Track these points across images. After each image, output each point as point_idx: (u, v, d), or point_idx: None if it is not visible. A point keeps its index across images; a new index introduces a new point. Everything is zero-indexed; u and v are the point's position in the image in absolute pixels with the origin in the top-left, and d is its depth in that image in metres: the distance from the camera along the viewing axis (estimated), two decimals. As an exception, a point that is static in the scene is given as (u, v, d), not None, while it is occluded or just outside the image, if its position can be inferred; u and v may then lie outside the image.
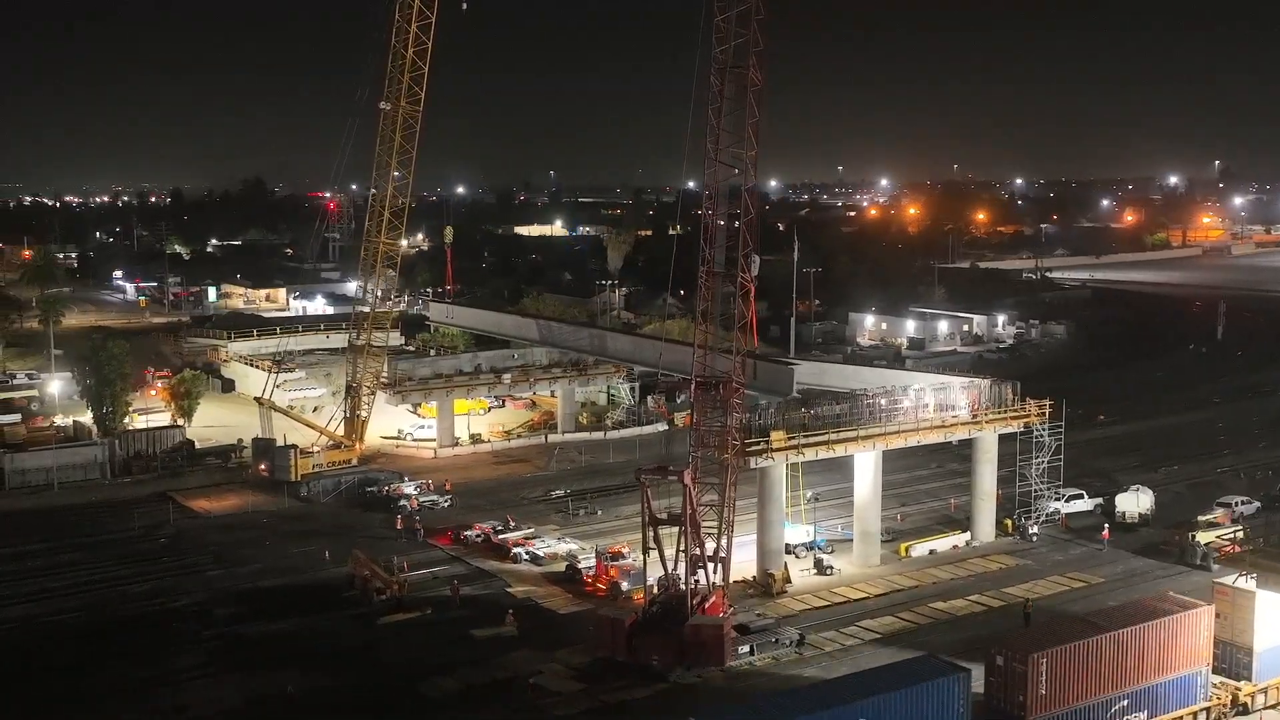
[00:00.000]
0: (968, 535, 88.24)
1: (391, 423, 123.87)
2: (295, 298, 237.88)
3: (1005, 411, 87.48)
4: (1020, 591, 77.06)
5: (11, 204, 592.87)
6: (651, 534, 67.00)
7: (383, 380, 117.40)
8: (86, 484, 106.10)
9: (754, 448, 76.72)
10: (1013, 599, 75.71)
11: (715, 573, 70.06)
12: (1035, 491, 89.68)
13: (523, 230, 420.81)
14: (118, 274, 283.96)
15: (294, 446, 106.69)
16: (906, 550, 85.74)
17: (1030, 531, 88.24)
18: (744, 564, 78.30)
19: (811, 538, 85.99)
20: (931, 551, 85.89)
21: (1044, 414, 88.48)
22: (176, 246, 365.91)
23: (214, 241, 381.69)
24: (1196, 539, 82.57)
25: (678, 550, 68.49)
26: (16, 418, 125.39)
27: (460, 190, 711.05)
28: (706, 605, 67.55)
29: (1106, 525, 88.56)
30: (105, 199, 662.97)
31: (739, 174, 70.46)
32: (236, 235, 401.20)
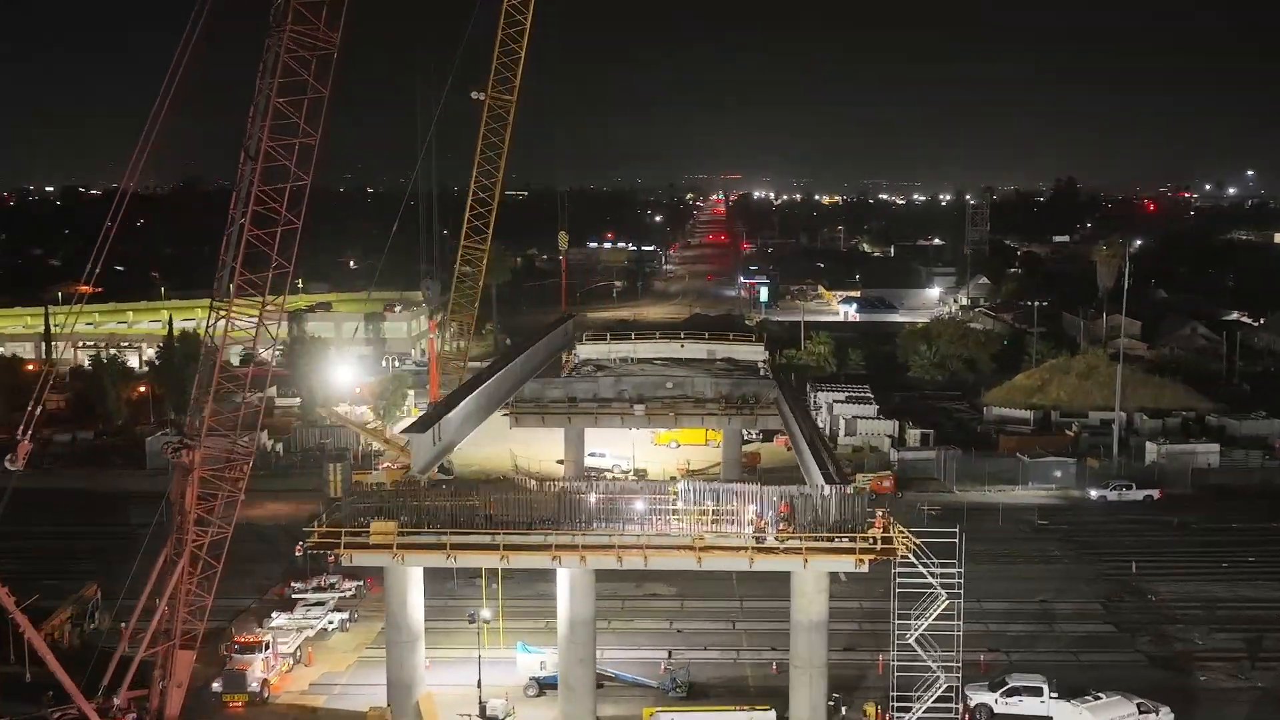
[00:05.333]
0: (772, 715, 58.27)
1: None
2: (839, 301, 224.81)
3: (808, 539, 55.81)
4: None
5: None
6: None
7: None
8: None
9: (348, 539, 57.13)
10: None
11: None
12: (897, 668, 57.00)
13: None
14: (753, 267, 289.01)
15: (337, 462, 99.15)
16: (650, 718, 58.77)
17: (862, 731, 56.21)
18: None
19: (544, 670, 62.56)
20: (691, 728, 58.01)
21: (903, 547, 55.36)
22: (864, 246, 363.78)
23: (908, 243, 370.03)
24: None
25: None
26: (295, 401, 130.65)
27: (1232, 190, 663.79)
28: None
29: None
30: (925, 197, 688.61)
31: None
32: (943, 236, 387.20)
